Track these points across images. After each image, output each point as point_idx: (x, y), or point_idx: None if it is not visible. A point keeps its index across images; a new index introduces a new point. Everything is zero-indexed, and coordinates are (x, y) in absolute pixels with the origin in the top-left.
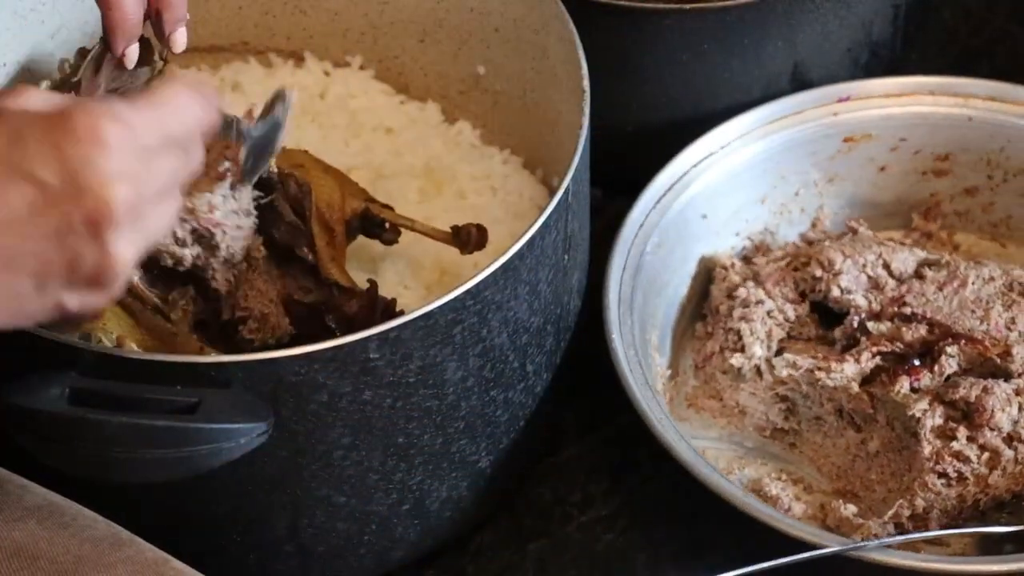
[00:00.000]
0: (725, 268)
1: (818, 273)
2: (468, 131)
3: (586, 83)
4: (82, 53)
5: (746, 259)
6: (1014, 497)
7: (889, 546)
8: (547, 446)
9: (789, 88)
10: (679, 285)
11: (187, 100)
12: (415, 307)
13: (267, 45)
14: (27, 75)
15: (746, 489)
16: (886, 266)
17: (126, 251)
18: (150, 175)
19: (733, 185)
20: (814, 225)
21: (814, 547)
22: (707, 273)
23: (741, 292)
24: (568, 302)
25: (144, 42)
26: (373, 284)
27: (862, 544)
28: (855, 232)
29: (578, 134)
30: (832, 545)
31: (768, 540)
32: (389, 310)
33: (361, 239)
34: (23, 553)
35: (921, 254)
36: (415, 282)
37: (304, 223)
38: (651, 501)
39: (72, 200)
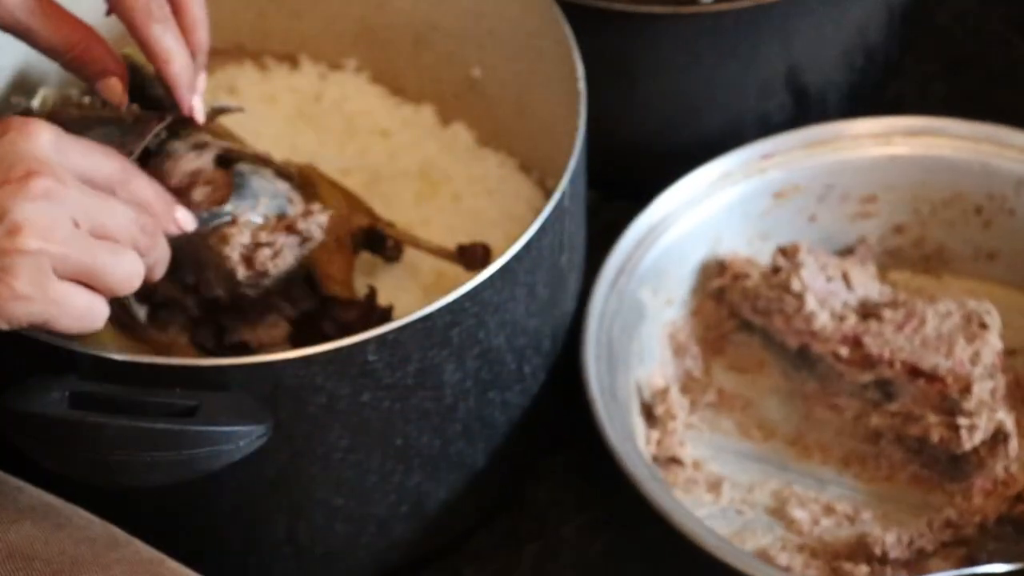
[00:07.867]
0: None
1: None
2: (464, 133)
3: (582, 85)
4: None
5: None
6: (999, 520)
7: None
8: (543, 448)
9: (785, 92)
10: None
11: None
12: (412, 310)
13: (262, 48)
14: (21, 80)
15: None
16: (845, 278)
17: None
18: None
19: (682, 249)
20: None
21: None
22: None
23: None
24: (565, 304)
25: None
26: (372, 291)
27: None
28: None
29: (574, 136)
30: None
31: None
32: (385, 318)
33: None
34: (18, 554)
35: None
36: (412, 284)
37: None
38: (647, 505)
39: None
